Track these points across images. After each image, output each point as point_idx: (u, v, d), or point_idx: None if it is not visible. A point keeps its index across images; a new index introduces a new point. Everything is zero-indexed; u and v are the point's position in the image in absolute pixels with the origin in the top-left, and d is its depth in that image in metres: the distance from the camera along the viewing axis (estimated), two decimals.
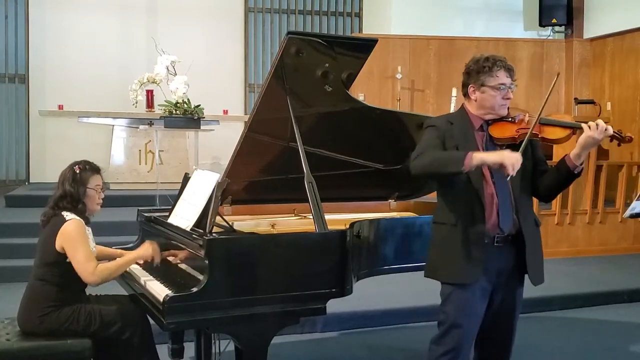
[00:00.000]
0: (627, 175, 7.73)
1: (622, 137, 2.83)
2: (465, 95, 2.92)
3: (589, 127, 2.66)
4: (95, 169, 3.26)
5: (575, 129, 2.77)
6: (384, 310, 5.08)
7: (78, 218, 3.14)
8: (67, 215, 3.12)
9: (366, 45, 3.31)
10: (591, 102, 9.23)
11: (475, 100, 2.87)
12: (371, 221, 3.40)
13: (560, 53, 9.91)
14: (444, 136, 2.82)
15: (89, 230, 3.21)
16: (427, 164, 2.73)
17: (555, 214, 7.43)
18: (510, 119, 2.87)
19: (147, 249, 3.22)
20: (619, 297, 5.90)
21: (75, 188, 3.16)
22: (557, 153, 7.65)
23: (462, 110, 2.94)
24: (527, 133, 2.75)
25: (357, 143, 3.71)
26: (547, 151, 6.56)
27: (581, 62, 9.83)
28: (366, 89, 8.85)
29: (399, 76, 9.10)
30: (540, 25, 9.92)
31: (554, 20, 9.80)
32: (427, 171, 2.78)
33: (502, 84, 2.81)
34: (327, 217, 3.11)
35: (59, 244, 3.07)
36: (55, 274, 3.10)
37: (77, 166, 3.21)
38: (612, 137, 2.80)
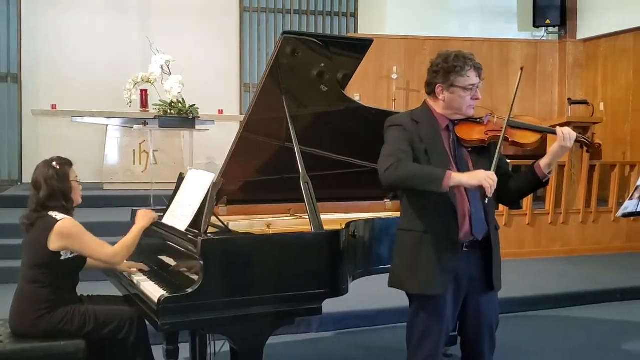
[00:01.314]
0: (619, 175, 7.77)
1: (589, 143, 2.83)
2: (431, 93, 2.81)
3: (562, 135, 2.63)
4: (69, 162, 3.26)
5: (546, 134, 2.73)
6: (379, 309, 5.08)
7: (68, 216, 3.13)
8: (56, 215, 3.09)
9: (362, 46, 3.31)
10: (584, 102, 9.26)
11: (443, 100, 2.76)
12: (366, 221, 3.41)
13: (553, 54, 9.94)
14: (412, 138, 2.72)
15: None
16: (404, 178, 2.62)
17: (548, 214, 7.45)
18: (477, 120, 2.80)
19: (145, 216, 3.26)
20: (612, 295, 5.93)
21: (62, 184, 3.15)
22: None
23: (426, 108, 2.83)
24: (496, 136, 2.71)
25: (353, 143, 3.71)
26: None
27: (574, 63, 9.86)
28: (361, 89, 8.85)
29: (394, 76, 9.12)
30: (534, 26, 9.95)
31: (547, 21, 9.82)
32: (403, 186, 2.68)
33: (472, 84, 2.73)
34: (323, 217, 3.11)
35: (55, 244, 3.04)
36: (48, 275, 3.08)
37: (54, 162, 3.18)
38: (579, 142, 2.79)
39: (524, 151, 3.37)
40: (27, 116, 9.31)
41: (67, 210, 3.16)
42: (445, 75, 2.73)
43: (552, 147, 2.68)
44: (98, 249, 3.11)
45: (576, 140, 2.71)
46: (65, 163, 3.21)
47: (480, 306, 2.82)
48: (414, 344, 2.80)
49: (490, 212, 2.78)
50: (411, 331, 2.82)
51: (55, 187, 3.13)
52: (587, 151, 2.86)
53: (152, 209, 3.93)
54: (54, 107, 8.53)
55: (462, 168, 2.73)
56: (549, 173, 2.72)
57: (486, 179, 2.51)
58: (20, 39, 9.64)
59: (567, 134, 2.64)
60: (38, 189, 3.14)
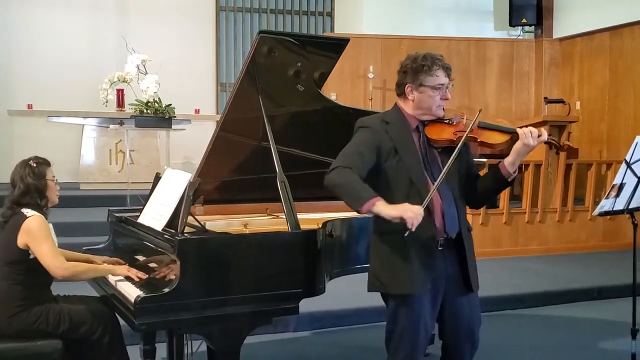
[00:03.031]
0: (596, 174, 7.85)
1: (558, 145, 2.85)
2: (401, 94, 2.82)
3: (524, 134, 2.66)
4: (47, 162, 3.25)
5: (514, 134, 2.73)
6: (356, 309, 5.08)
7: (39, 214, 3.11)
8: (27, 212, 3.09)
9: (338, 45, 3.32)
10: (561, 101, 9.35)
11: (413, 101, 2.77)
12: (343, 220, 3.41)
13: (530, 53, 10.04)
14: (380, 139, 2.72)
15: (50, 226, 3.18)
16: (336, 185, 2.60)
17: (525, 212, 7.51)
18: (447, 121, 2.80)
19: (123, 272, 3.15)
20: (588, 294, 5.98)
21: (37, 181, 3.14)
22: None
23: (396, 109, 2.85)
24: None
25: (330, 142, 3.68)
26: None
27: (551, 62, 9.96)
28: (338, 89, 8.87)
29: (370, 76, 9.14)
30: (510, 25, 10.04)
31: (523, 20, 9.92)
32: (333, 192, 2.64)
33: (441, 84, 2.74)
34: (300, 216, 3.11)
35: (22, 241, 3.04)
36: (20, 272, 3.06)
37: (31, 161, 3.19)
38: (548, 144, 2.83)
39: (497, 152, 3.37)
40: (3, 116, 9.18)
41: (41, 208, 3.15)
42: (414, 74, 2.75)
43: (515, 146, 2.70)
44: (49, 254, 3.04)
45: (545, 142, 2.75)
46: (43, 162, 3.22)
47: (459, 308, 2.82)
48: (393, 345, 2.79)
49: (460, 211, 2.78)
50: (390, 332, 2.81)
51: (30, 184, 3.13)
52: (557, 152, 2.90)
53: (129, 209, 3.92)
54: (30, 107, 8.44)
55: (433, 167, 2.74)
56: (514, 172, 2.74)
57: (408, 212, 2.45)
58: None
59: (529, 132, 2.66)
60: (14, 186, 3.16)
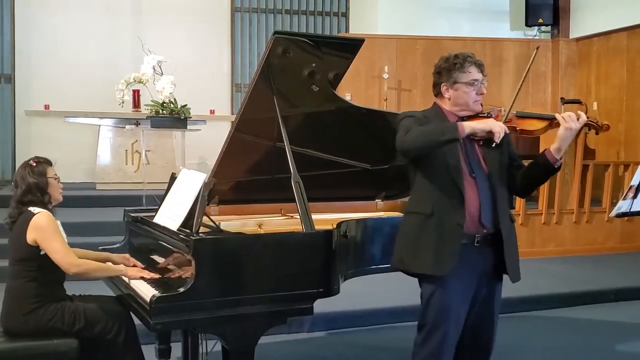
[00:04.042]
0: (613, 175, 7.78)
1: (598, 125, 2.85)
2: (438, 94, 2.92)
3: (563, 118, 2.69)
4: (48, 161, 3.27)
5: (552, 120, 2.78)
6: (371, 310, 5.08)
7: (46, 210, 3.13)
8: (34, 209, 3.12)
9: (353, 45, 3.31)
10: (577, 102, 9.26)
11: (449, 99, 2.87)
12: (358, 221, 3.40)
13: (546, 53, 9.96)
14: (423, 124, 2.80)
15: (58, 223, 3.20)
16: (420, 137, 2.70)
17: (542, 214, 7.46)
18: (486, 114, 2.88)
19: (136, 274, 3.19)
20: (605, 296, 5.93)
21: (38, 179, 3.17)
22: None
23: (435, 107, 2.94)
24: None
25: (344, 143, 3.71)
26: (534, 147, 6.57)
27: (567, 62, 9.88)
28: (353, 89, 8.85)
29: (385, 76, 9.12)
30: (527, 25, 9.96)
31: (540, 20, 9.84)
32: (420, 144, 2.72)
33: (475, 79, 2.83)
34: (314, 216, 3.11)
35: (31, 237, 3.06)
36: (32, 269, 3.09)
37: (31, 161, 3.22)
38: (588, 126, 2.85)
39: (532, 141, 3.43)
40: (21, 116, 9.29)
41: (45, 205, 3.17)
42: (448, 73, 2.85)
43: (559, 132, 2.73)
44: (60, 250, 3.07)
45: (585, 124, 2.78)
46: (44, 161, 3.25)
47: (486, 304, 2.89)
48: (421, 338, 2.84)
49: (500, 203, 2.81)
50: (419, 326, 2.87)
51: (31, 182, 3.16)
52: (596, 133, 2.91)
53: (144, 209, 3.94)
54: (47, 107, 8.51)
55: (472, 160, 2.80)
56: (560, 158, 2.77)
57: (496, 124, 2.66)
58: (14, 40, 9.61)
59: (568, 116, 2.70)
60: (17, 186, 3.20)
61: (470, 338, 2.93)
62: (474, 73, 2.83)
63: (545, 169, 2.82)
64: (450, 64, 2.84)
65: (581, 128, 2.80)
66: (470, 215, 2.75)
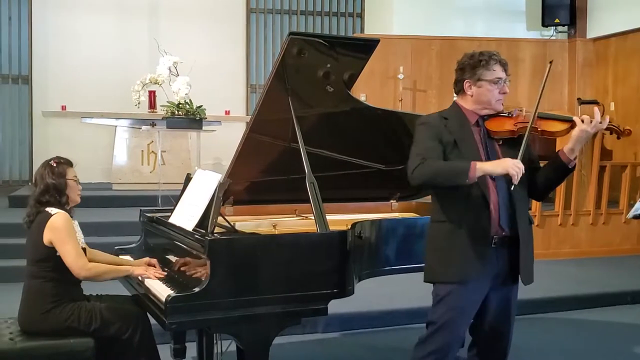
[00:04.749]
0: (630, 176, 7.71)
1: (619, 130, 2.83)
2: (460, 91, 2.89)
3: (582, 121, 2.67)
4: (69, 162, 3.29)
5: (573, 122, 2.76)
6: (385, 311, 5.07)
7: (63, 212, 3.15)
8: (51, 210, 3.13)
9: (368, 46, 3.31)
10: (595, 102, 9.18)
11: (472, 96, 2.84)
12: (373, 222, 3.40)
13: (563, 53, 9.89)
14: (440, 133, 2.78)
15: (75, 223, 3.23)
16: (430, 176, 2.69)
17: (558, 215, 7.41)
18: (507, 114, 2.85)
19: (142, 272, 3.22)
20: (622, 298, 5.88)
21: (56, 180, 3.18)
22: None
23: (455, 106, 2.91)
24: (525, 127, 2.74)
25: (359, 143, 3.71)
26: (550, 147, 6.52)
27: (584, 62, 9.80)
28: (368, 90, 8.83)
29: (400, 76, 9.10)
30: (543, 25, 9.90)
31: (556, 20, 9.77)
32: (430, 183, 2.74)
33: (499, 78, 2.80)
34: (329, 217, 3.12)
35: (47, 238, 3.08)
36: (48, 269, 3.11)
37: (52, 161, 3.23)
38: (609, 130, 2.82)
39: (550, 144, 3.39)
40: (38, 117, 9.39)
41: (62, 206, 3.19)
42: (472, 70, 2.82)
43: (574, 132, 2.72)
44: (72, 254, 3.08)
45: (605, 128, 2.76)
46: (64, 162, 3.26)
47: (501, 305, 2.87)
48: (427, 334, 2.83)
49: (518, 205, 2.79)
50: (428, 322, 2.85)
51: (49, 182, 3.17)
52: (618, 137, 2.88)
53: (160, 209, 3.96)
54: (63, 108, 8.59)
55: (492, 159, 2.76)
56: (574, 158, 2.76)
57: (512, 166, 2.57)
58: (31, 41, 9.72)
59: (595, 119, 2.68)
60: (36, 185, 3.22)
61: (488, 340, 2.92)
62: (498, 71, 2.81)
63: (559, 169, 2.81)
64: (475, 61, 2.82)
65: (602, 132, 2.80)
66: (492, 219, 2.75)
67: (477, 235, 2.74)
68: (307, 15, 10.76)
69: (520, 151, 2.68)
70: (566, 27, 9.95)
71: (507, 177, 2.62)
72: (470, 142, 2.79)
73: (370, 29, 10.55)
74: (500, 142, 2.83)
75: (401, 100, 9.10)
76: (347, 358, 4.44)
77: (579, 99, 9.34)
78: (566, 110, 9.80)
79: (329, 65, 3.24)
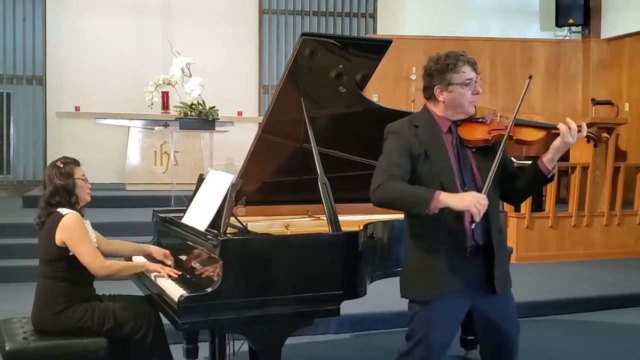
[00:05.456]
0: None
1: (597, 138, 2.78)
2: (430, 97, 2.76)
3: (569, 129, 2.57)
4: (76, 162, 3.30)
5: (550, 130, 2.68)
6: (398, 312, 5.01)
7: (74, 212, 3.17)
8: (63, 210, 3.15)
9: (380, 46, 3.30)
10: (609, 103, 9.14)
11: (444, 102, 2.71)
12: (385, 222, 3.39)
13: (577, 53, 9.83)
14: (410, 144, 2.66)
15: (87, 222, 3.24)
16: (391, 200, 2.57)
17: (572, 216, 7.36)
18: (480, 120, 2.74)
19: (157, 268, 3.24)
20: (636, 300, 5.83)
21: (65, 181, 3.19)
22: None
23: (426, 112, 2.78)
24: (500, 135, 2.64)
25: (371, 144, 3.67)
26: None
27: (598, 63, 9.73)
28: (380, 90, 8.82)
29: (413, 77, 9.08)
30: (557, 25, 9.86)
31: (570, 21, 9.73)
32: (390, 207, 2.62)
33: (469, 78, 2.68)
34: (341, 218, 3.11)
35: (59, 239, 3.10)
36: (61, 269, 3.13)
37: (59, 162, 3.25)
38: (587, 138, 2.75)
39: (528, 150, 3.34)
40: (52, 118, 9.45)
41: (73, 206, 3.20)
42: (440, 75, 2.69)
43: (554, 142, 2.63)
44: (89, 253, 3.11)
45: (586, 137, 2.69)
46: (71, 162, 3.27)
47: (491, 315, 2.76)
48: (406, 349, 2.76)
49: (492, 214, 2.67)
50: (407, 337, 2.77)
51: (58, 184, 3.18)
52: (595, 145, 2.81)
53: (173, 209, 3.97)
54: (77, 109, 8.65)
55: (464, 169, 2.68)
56: (553, 168, 2.67)
57: (475, 204, 2.43)
58: (45, 42, 9.80)
59: (569, 130, 2.58)
60: (45, 187, 3.24)
61: (493, 353, 2.84)
62: (468, 72, 2.67)
63: (537, 179, 2.72)
64: (442, 65, 2.67)
65: (581, 140, 2.69)
66: (464, 231, 2.65)
67: (451, 249, 2.64)
68: (319, 16, 10.76)
69: (488, 178, 2.56)
70: (580, 27, 9.91)
71: (467, 214, 2.50)
72: (442, 153, 2.68)
73: (383, 30, 10.53)
74: (474, 150, 2.73)
75: (414, 101, 9.08)
76: (359, 359, 4.44)
77: (593, 99, 9.29)
78: (580, 110, 9.75)
79: (341, 66, 3.24)
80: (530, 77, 2.75)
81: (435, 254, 2.66)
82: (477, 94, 2.72)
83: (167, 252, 3.43)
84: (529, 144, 2.74)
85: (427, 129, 2.71)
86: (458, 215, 2.60)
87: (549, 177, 2.69)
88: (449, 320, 2.74)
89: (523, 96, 2.67)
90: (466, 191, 2.59)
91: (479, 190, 2.54)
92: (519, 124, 2.70)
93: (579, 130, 2.63)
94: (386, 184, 2.56)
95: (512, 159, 2.93)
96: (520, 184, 2.80)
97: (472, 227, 2.52)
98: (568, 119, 2.60)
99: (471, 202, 2.44)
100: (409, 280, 2.79)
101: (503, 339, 2.80)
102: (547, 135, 2.71)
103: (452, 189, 2.60)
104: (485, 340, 2.86)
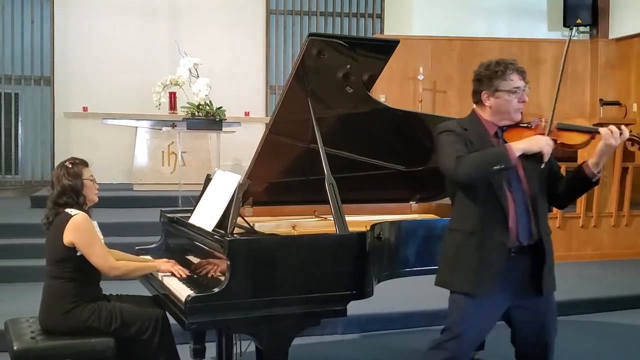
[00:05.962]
0: None
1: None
2: (478, 102, 2.84)
3: (610, 132, 2.63)
4: (85, 162, 3.31)
5: (594, 134, 2.72)
6: (405, 312, 5.05)
7: (83, 212, 3.18)
8: (71, 211, 3.16)
9: (388, 47, 3.30)
10: (617, 103, 9.09)
11: (490, 107, 2.79)
12: (392, 223, 3.39)
13: (585, 54, 9.78)
14: (464, 142, 2.74)
15: (95, 223, 3.25)
16: (476, 167, 2.63)
17: (579, 217, 7.33)
18: (526, 125, 2.81)
19: (169, 268, 3.25)
20: None
21: (73, 181, 3.20)
22: (582, 156, 7.51)
23: (474, 116, 2.86)
24: None
25: (379, 144, 3.70)
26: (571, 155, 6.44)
27: (606, 63, 9.69)
28: (387, 91, 8.81)
29: (420, 77, 9.07)
30: (565, 25, 9.80)
31: (578, 21, 9.67)
32: (476, 174, 2.66)
33: (517, 87, 2.75)
34: (348, 218, 3.11)
35: (67, 239, 3.11)
36: (68, 269, 3.14)
37: (67, 162, 3.26)
38: (631, 141, 2.77)
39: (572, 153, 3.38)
40: (59, 118, 9.49)
41: (81, 207, 3.21)
42: (489, 81, 2.77)
43: (598, 146, 2.69)
44: (100, 254, 3.13)
45: (627, 139, 2.72)
46: (79, 162, 3.28)
47: (529, 315, 2.84)
48: (440, 340, 2.81)
49: (539, 215, 2.76)
50: (444, 329, 2.83)
51: (66, 184, 3.20)
52: (639, 149, 2.83)
53: (180, 209, 3.98)
54: (85, 109, 8.68)
55: (512, 174, 2.73)
56: (599, 172, 2.72)
57: (545, 145, 2.61)
58: (53, 43, 9.83)
59: (610, 133, 2.64)
60: (52, 187, 3.25)
61: (529, 354, 2.92)
62: (516, 80, 2.75)
63: (583, 183, 2.78)
64: (491, 72, 2.76)
65: (624, 143, 2.76)
66: (511, 231, 2.72)
67: (491, 248, 2.70)
68: (326, 16, 10.76)
69: (543, 168, 2.68)
70: (588, 27, 9.85)
71: (539, 155, 2.63)
72: None
73: (390, 30, 10.52)
74: (522, 157, 2.76)
75: (421, 101, 9.07)
76: None
77: (601, 100, 9.24)
78: (588, 111, 9.71)
79: (348, 66, 3.24)
80: (560, 81, 2.86)
81: (473, 252, 2.72)
82: (524, 102, 2.79)
83: (173, 261, 3.40)
84: (572, 147, 2.79)
85: (475, 132, 2.79)
86: (502, 215, 2.69)
87: (593, 180, 2.75)
88: (490, 318, 2.81)
89: (556, 100, 2.78)
90: (512, 193, 2.72)
91: (539, 160, 2.67)
92: (562, 128, 2.77)
93: (621, 133, 2.67)
94: (461, 159, 2.65)
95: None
96: (565, 187, 2.86)
97: (542, 167, 2.67)
98: (612, 127, 2.67)
99: (544, 142, 2.63)
100: (443, 270, 2.87)
101: (538, 341, 2.88)
102: (592, 140, 2.74)
103: (500, 191, 2.70)
104: (520, 341, 2.91)
